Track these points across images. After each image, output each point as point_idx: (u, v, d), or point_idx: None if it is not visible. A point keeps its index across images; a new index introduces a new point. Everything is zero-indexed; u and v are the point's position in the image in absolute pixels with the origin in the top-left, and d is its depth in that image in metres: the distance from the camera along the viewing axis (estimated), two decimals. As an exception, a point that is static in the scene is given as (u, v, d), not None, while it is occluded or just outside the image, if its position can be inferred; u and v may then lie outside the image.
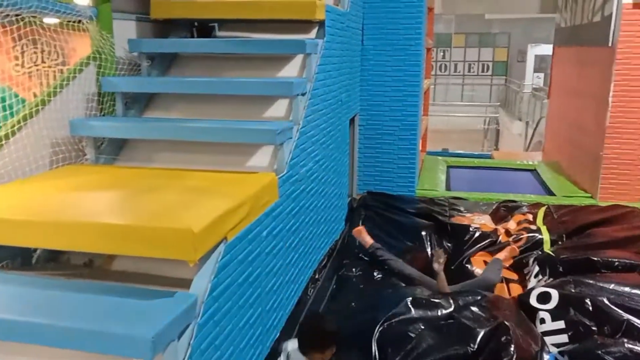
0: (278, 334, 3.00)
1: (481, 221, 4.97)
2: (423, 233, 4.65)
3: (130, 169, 2.97)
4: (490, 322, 2.93)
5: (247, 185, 2.58)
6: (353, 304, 3.53)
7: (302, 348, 2.61)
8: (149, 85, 3.42)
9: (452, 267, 4.22)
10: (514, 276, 4.18)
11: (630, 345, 2.71)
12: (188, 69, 3.76)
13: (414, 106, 5.60)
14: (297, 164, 3.20)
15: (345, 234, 4.80)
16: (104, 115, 3.29)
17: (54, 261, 2.67)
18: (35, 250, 2.63)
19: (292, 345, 2.65)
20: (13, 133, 2.62)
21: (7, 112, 2.67)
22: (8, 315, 1.85)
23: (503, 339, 2.76)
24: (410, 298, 3.29)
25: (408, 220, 4.83)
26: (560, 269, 3.84)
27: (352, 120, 5.29)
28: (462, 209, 5.36)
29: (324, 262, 4.15)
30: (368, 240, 4.47)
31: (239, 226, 2.34)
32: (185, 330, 1.95)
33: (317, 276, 3.89)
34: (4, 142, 2.57)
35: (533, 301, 3.41)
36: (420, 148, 6.72)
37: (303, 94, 3.31)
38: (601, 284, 3.39)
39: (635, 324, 2.96)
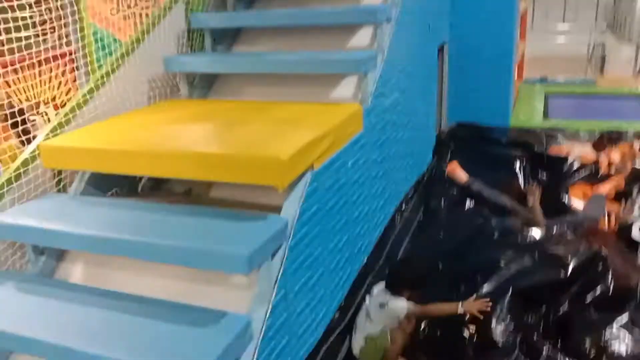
0: (365, 259, 3.10)
1: (581, 151, 4.68)
2: (517, 165, 4.47)
3: (221, 103, 3.10)
4: (585, 252, 2.84)
5: (332, 115, 2.61)
6: (441, 234, 3.53)
7: (392, 288, 2.71)
8: (236, 20, 3.49)
9: (548, 201, 4.05)
10: (615, 208, 3.95)
11: None
12: (271, 3, 3.77)
13: (508, 30, 5.25)
14: (382, 95, 3.16)
15: (433, 166, 4.73)
16: (193, 51, 3.42)
17: (157, 189, 2.89)
18: (140, 179, 2.87)
19: (378, 288, 2.76)
20: (113, 71, 2.81)
21: (107, 51, 2.86)
22: (117, 234, 2.06)
23: (599, 268, 2.66)
24: (502, 227, 3.24)
25: (500, 152, 4.65)
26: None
27: (441, 48, 5.07)
28: (560, 139, 5.06)
29: (411, 194, 4.15)
30: (463, 176, 4.36)
31: (325, 155, 2.39)
32: (277, 251, 2.07)
33: (403, 207, 3.91)
34: (105, 79, 2.77)
35: (635, 233, 3.24)
36: (515, 76, 6.35)
37: (388, 21, 3.22)
38: None
39: None
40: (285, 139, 2.27)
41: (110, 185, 2.70)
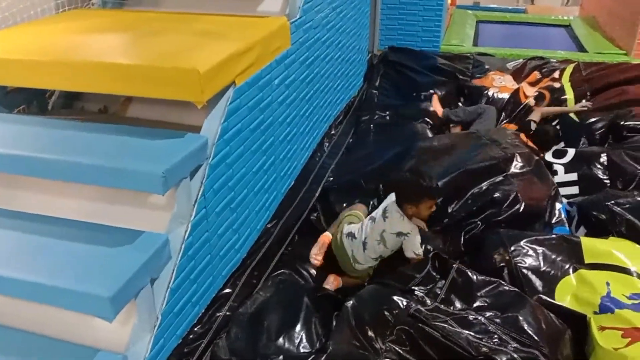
0: (292, 182, 3.09)
1: (502, 83, 4.78)
2: (440, 93, 4.51)
3: (138, 13, 2.87)
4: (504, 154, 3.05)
5: (257, 29, 2.48)
6: (369, 154, 3.54)
7: (398, 201, 2.46)
8: None
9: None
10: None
11: (641, 198, 2.72)
12: None
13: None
14: (311, 9, 3.04)
15: (364, 90, 4.71)
16: (107, -45, 3.11)
17: (69, 108, 2.70)
18: (50, 96, 2.66)
19: (390, 199, 2.62)
20: (13, -28, 2.51)
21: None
22: (25, 151, 1.92)
23: (509, 188, 2.80)
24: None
25: (426, 79, 4.67)
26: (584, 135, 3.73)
27: (375, -32, 4.92)
28: (487, 66, 5.14)
29: (341, 118, 4.13)
30: (439, 109, 4.35)
31: (248, 71, 2.29)
32: (197, 170, 2.00)
33: (333, 131, 3.90)
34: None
35: (548, 156, 3.40)
36: (449, 1, 6.32)
37: None
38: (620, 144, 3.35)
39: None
40: (204, 52, 2.13)
41: (16, 101, 2.49)
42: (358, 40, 4.39)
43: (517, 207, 2.74)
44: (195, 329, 2.11)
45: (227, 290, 2.33)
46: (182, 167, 1.87)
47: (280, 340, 2.07)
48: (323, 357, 1.87)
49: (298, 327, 2.11)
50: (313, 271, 2.56)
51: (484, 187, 2.88)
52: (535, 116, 3.99)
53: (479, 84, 4.75)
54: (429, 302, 2.17)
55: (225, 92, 2.15)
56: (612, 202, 2.70)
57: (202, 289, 2.15)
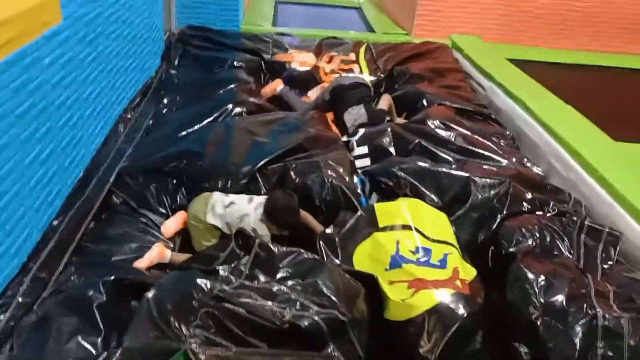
0: (81, 173, 2.81)
1: (302, 58, 4.96)
2: (243, 69, 4.50)
3: None
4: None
5: (14, 1, 2.15)
6: (169, 132, 3.38)
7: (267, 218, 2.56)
8: None
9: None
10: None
11: (420, 162, 3.03)
12: None
13: None
14: (86, -19, 2.76)
15: (163, 70, 4.48)
16: None
17: None
18: None
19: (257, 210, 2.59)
20: None
21: None
22: None
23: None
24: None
25: (227, 56, 4.62)
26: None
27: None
28: (287, 45, 5.27)
29: (138, 100, 3.87)
30: (275, 86, 4.22)
31: (5, 49, 1.98)
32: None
33: (129, 115, 3.64)
34: None
35: (345, 137, 3.64)
36: (246, -19, 6.31)
37: None
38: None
39: (425, 144, 3.32)
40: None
41: None
42: (150, 17, 4.14)
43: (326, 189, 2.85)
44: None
45: (4, 301, 2.04)
46: None
47: (71, 344, 1.87)
48: (117, 354, 1.73)
49: (91, 327, 1.94)
50: (122, 257, 2.39)
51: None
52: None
53: (280, 59, 4.85)
54: (233, 280, 2.16)
55: (-24, 72, 1.84)
56: (396, 167, 2.97)
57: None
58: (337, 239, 2.53)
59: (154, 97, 4.06)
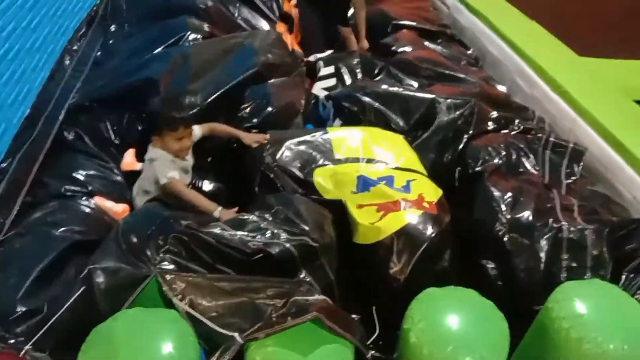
0: (27, 110, 2.63)
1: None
2: None
3: None
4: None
5: None
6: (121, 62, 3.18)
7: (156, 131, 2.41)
8: None
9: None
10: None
11: (384, 86, 2.95)
12: None
13: None
14: None
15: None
16: None
17: None
18: None
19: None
20: None
21: None
22: None
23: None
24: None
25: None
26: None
27: None
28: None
29: (84, 30, 3.60)
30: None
31: None
32: None
33: (75, 46, 3.39)
34: None
35: (312, 57, 3.52)
36: None
37: None
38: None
39: (391, 69, 3.25)
40: None
41: None
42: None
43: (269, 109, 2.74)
44: None
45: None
46: None
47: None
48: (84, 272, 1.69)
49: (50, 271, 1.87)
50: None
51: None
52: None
53: None
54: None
55: None
56: (361, 92, 2.89)
57: None
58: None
59: (100, 26, 3.78)
